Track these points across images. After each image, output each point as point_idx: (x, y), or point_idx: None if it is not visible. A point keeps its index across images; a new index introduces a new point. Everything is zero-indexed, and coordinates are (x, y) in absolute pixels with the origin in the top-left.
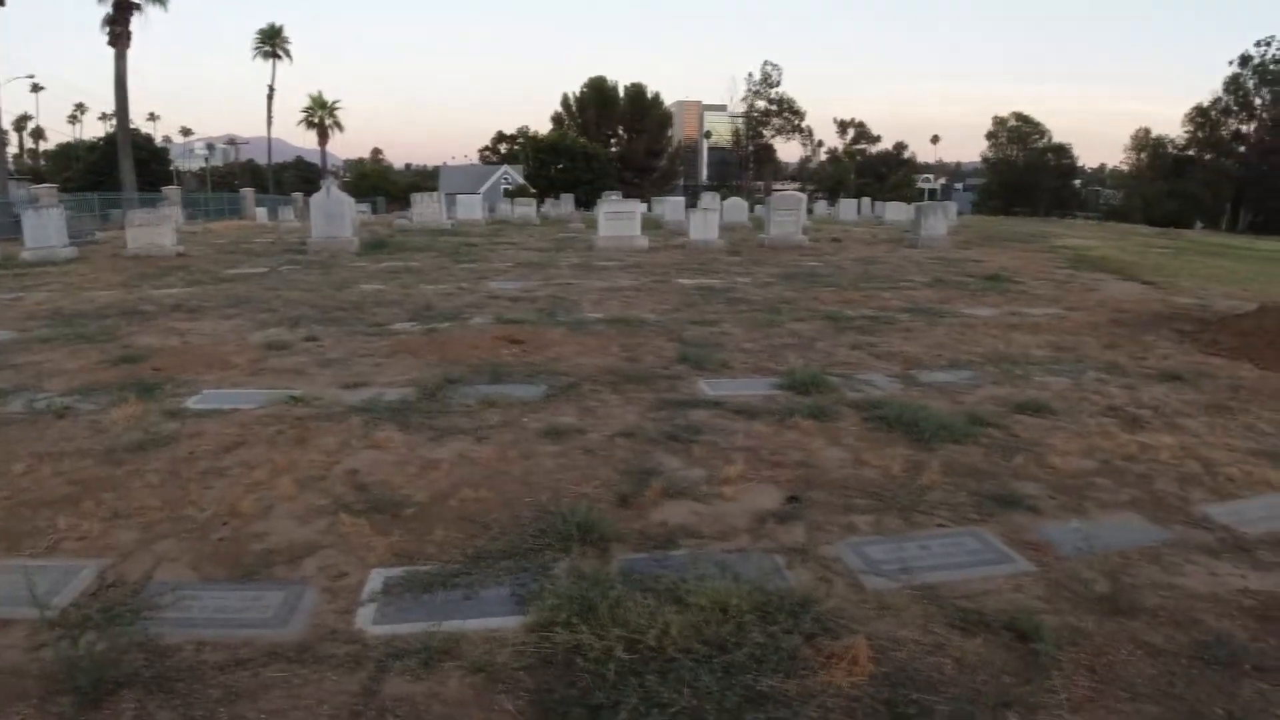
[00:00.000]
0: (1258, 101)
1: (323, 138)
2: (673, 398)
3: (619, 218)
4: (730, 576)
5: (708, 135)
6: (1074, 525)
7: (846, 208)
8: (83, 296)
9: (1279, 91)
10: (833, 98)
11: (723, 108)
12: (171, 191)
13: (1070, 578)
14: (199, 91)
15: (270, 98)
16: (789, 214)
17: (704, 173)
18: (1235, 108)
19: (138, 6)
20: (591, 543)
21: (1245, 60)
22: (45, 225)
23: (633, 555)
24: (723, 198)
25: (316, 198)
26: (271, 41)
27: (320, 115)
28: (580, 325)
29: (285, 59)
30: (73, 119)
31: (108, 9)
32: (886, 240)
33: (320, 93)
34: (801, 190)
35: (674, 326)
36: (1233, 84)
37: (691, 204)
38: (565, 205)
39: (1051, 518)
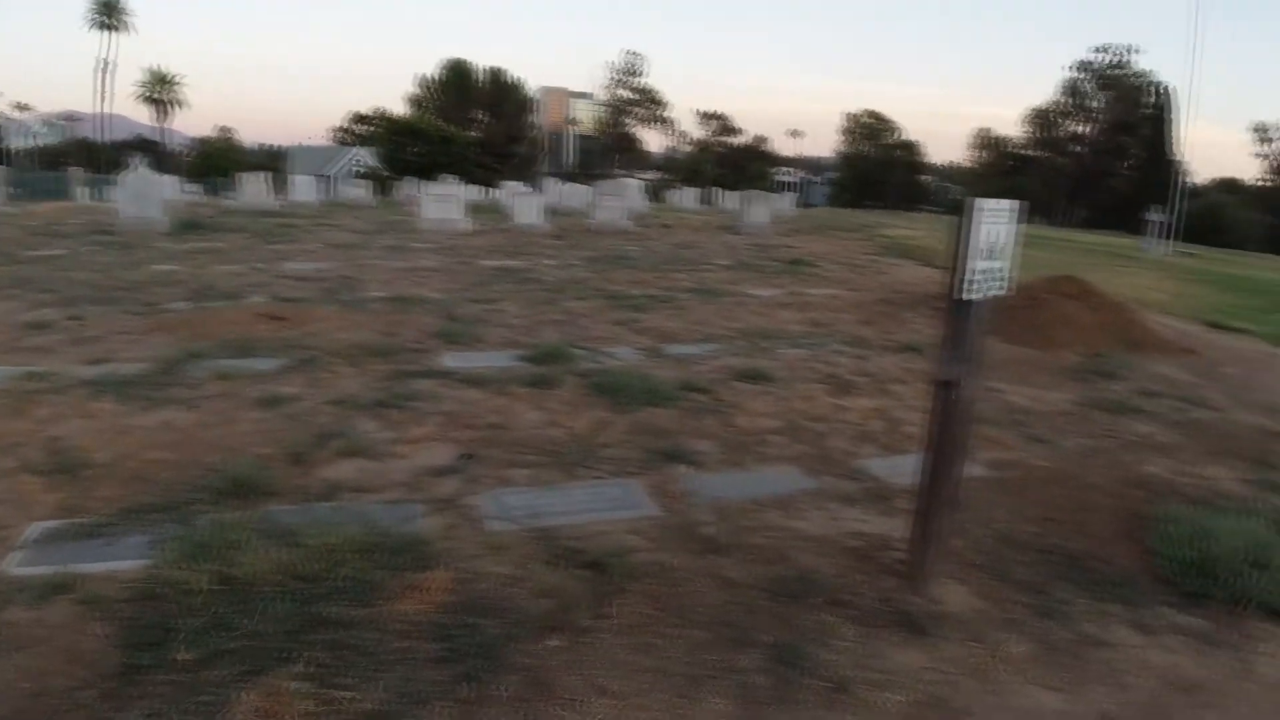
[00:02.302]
0: (1094, 104)
1: (163, 114)
2: (408, 369)
3: (442, 200)
4: (360, 523)
5: (573, 122)
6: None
7: (689, 196)
8: None
9: (1112, 95)
10: (699, 90)
11: (589, 95)
12: None
13: (690, 522)
14: (39, 66)
15: (105, 72)
16: (615, 200)
17: (569, 159)
18: (1072, 110)
19: None
20: (244, 497)
21: (1085, 65)
22: None
23: (281, 507)
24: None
25: (125, 177)
26: (109, 12)
27: (160, 91)
28: (357, 304)
29: (126, 31)
30: None
31: None
32: (717, 227)
33: (160, 66)
34: (663, 179)
35: (451, 305)
36: (1070, 88)
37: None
38: (409, 188)
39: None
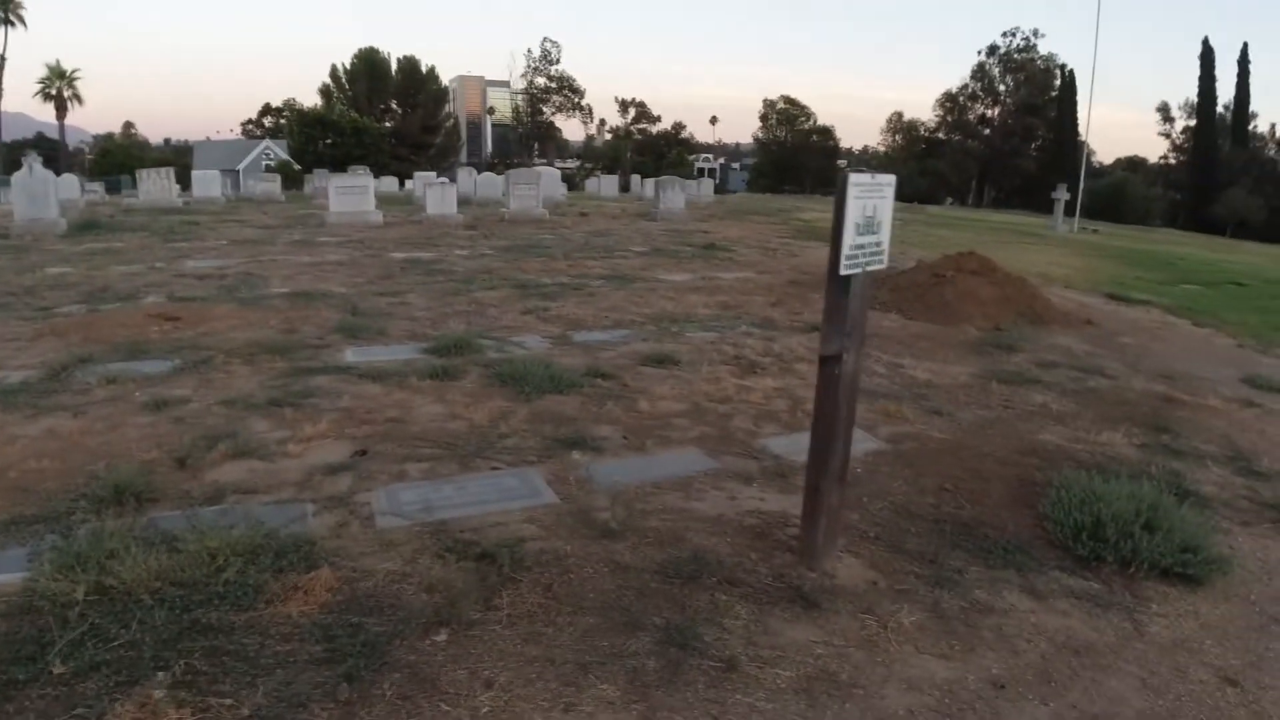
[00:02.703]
0: (1001, 88)
1: (61, 110)
2: (306, 366)
3: (351, 192)
4: (247, 525)
5: (491, 111)
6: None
7: (608, 184)
8: None
9: (1020, 78)
10: (616, 77)
11: (505, 84)
12: None
13: (586, 508)
14: None
15: None
16: (529, 188)
17: (488, 149)
18: (981, 94)
19: None
20: (127, 504)
21: (993, 50)
22: None
23: (164, 513)
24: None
25: (18, 177)
26: (4, 7)
27: (58, 86)
28: (256, 301)
29: (21, 26)
30: None
31: None
32: (634, 214)
33: (58, 61)
34: (582, 168)
35: (355, 299)
36: (979, 72)
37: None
38: (320, 180)
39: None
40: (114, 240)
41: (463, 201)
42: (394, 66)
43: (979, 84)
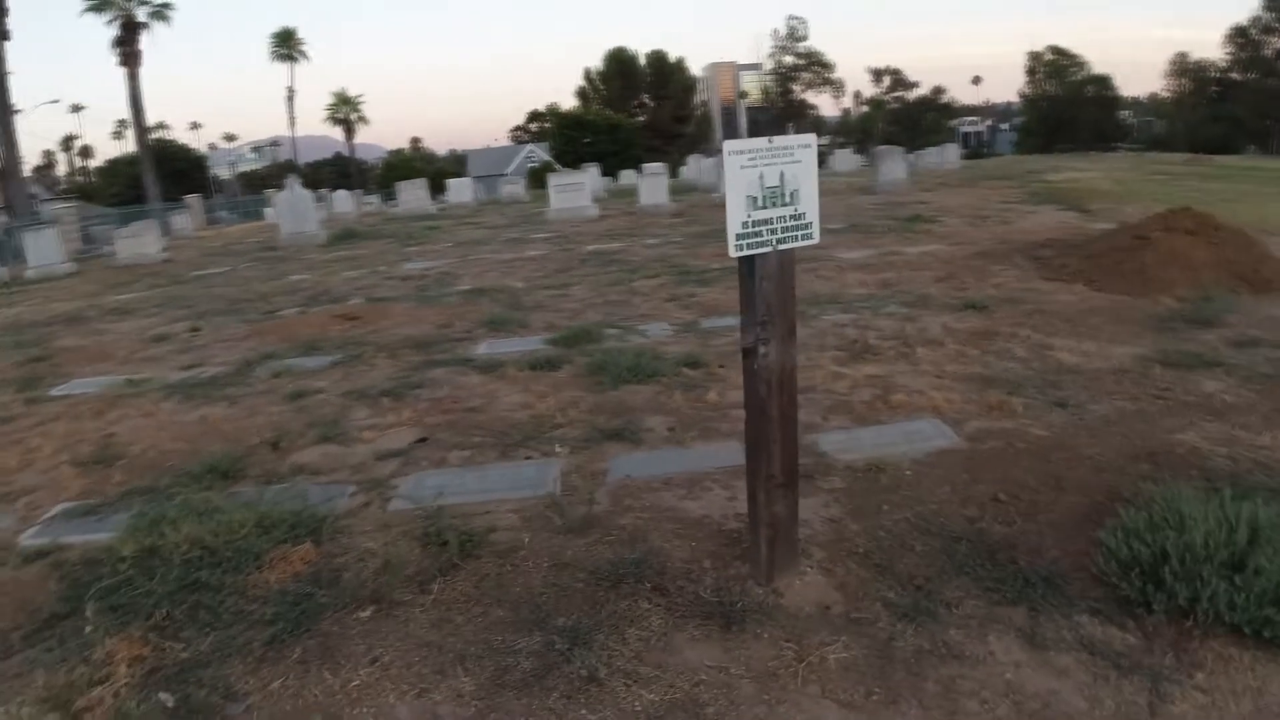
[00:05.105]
0: None
1: (349, 132)
2: (436, 359)
3: (568, 190)
4: (293, 502)
5: (743, 95)
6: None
7: (847, 159)
8: (47, 308)
9: None
10: (870, 46)
11: (758, 66)
12: (193, 200)
13: (576, 501)
14: (243, 97)
15: (290, 100)
16: None
17: (742, 133)
18: (1277, 24)
19: (144, 25)
20: (222, 479)
21: None
22: (43, 245)
23: (242, 489)
24: None
25: (281, 196)
26: (286, 44)
27: (345, 111)
28: (435, 299)
29: (304, 60)
30: (116, 135)
31: (116, 31)
32: (857, 188)
33: (344, 89)
34: (834, 143)
35: (523, 293)
36: (1272, 1)
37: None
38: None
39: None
40: (360, 248)
41: (690, 189)
42: (642, 62)
43: (1273, 14)
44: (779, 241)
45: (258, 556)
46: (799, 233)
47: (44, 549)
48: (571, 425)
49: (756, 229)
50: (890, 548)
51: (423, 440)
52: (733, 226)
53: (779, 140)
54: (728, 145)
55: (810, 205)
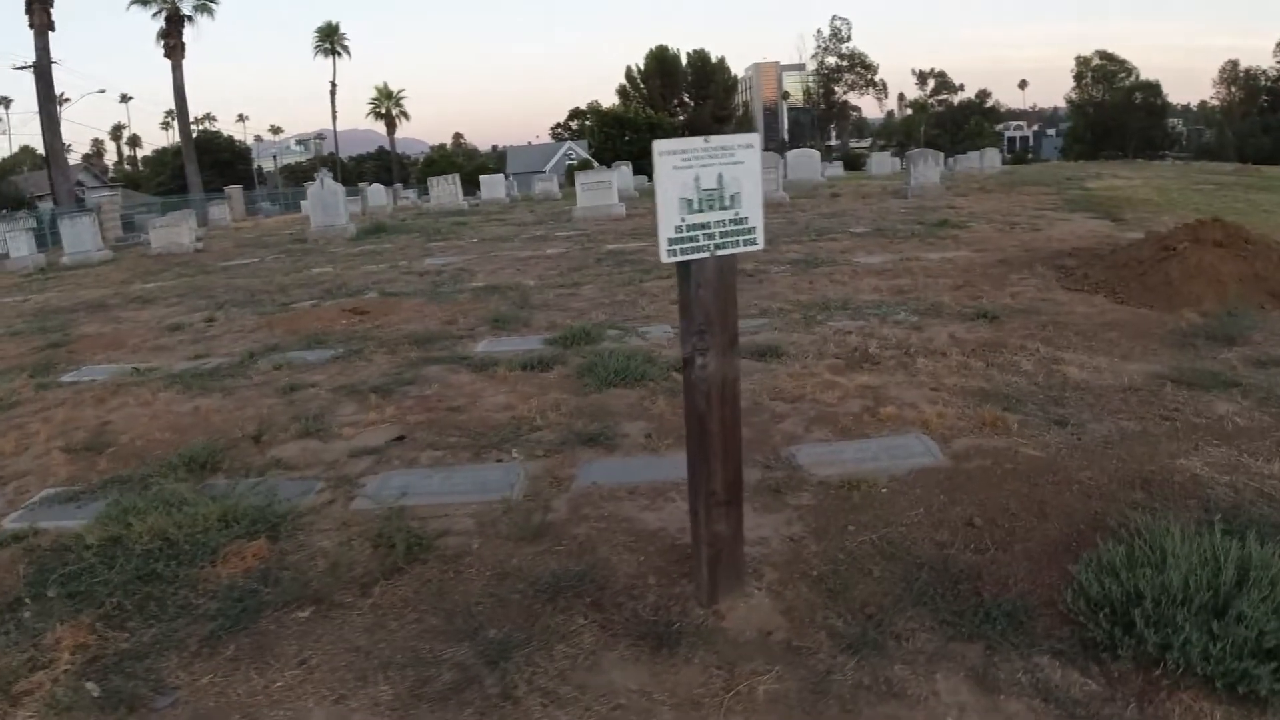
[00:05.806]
0: None
1: (390, 127)
2: (433, 356)
3: (595, 188)
4: (256, 495)
5: (785, 96)
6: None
7: (884, 162)
8: (75, 295)
9: None
10: (915, 48)
11: (800, 67)
12: (233, 190)
13: (535, 507)
14: (289, 91)
15: (333, 93)
16: (771, 171)
17: (784, 133)
18: None
19: (188, 18)
20: (200, 471)
21: None
22: (80, 232)
23: (217, 481)
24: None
25: (312, 189)
26: (329, 39)
27: (387, 106)
28: (446, 295)
29: (346, 55)
30: (164, 125)
31: (160, 24)
32: (889, 192)
33: (385, 84)
34: (875, 145)
35: (534, 291)
36: None
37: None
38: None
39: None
40: (386, 242)
41: None
42: (684, 61)
43: None
44: (717, 247)
45: (214, 551)
46: (740, 237)
47: (20, 533)
48: (550, 428)
49: (692, 233)
50: (847, 572)
51: (400, 439)
52: (664, 231)
53: (716, 140)
54: (657, 145)
55: (753, 208)
